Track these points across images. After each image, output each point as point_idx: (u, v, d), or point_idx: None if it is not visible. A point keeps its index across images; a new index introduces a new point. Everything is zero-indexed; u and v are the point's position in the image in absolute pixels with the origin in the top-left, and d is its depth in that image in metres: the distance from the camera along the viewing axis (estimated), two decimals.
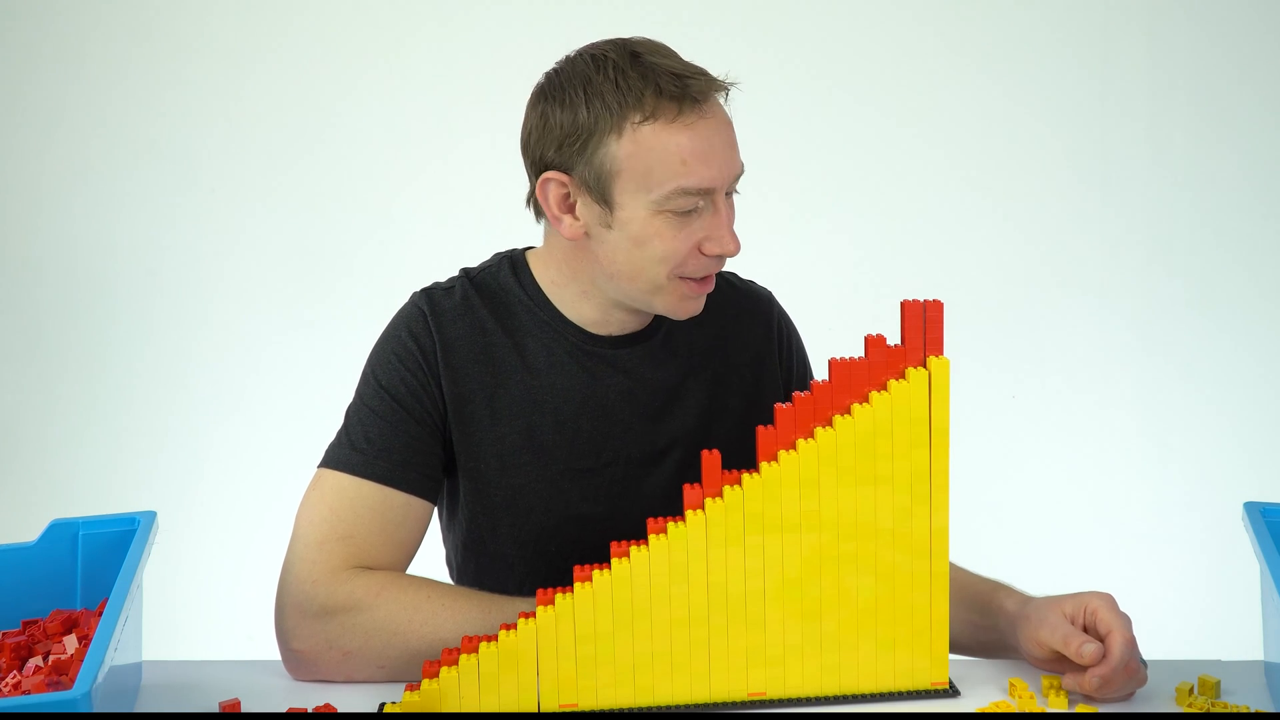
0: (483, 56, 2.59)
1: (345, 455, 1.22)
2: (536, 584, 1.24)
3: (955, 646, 1.21)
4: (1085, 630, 1.10)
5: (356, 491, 1.20)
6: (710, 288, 1.23)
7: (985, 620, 1.20)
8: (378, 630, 1.14)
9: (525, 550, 1.28)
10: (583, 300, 1.27)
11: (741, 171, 1.20)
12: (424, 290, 1.30)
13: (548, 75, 1.21)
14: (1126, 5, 2.59)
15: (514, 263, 1.31)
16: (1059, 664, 1.11)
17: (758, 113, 1.29)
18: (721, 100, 1.19)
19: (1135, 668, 1.08)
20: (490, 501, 1.27)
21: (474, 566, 1.33)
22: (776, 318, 1.40)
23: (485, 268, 1.32)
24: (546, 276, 1.28)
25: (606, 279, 1.22)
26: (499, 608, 1.16)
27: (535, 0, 2.59)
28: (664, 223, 1.16)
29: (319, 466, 1.23)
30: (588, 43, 1.21)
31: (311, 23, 2.62)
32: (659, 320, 1.31)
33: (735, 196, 1.24)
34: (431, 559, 1.63)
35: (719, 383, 1.33)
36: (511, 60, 2.46)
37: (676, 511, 1.08)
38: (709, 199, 1.17)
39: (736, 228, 1.20)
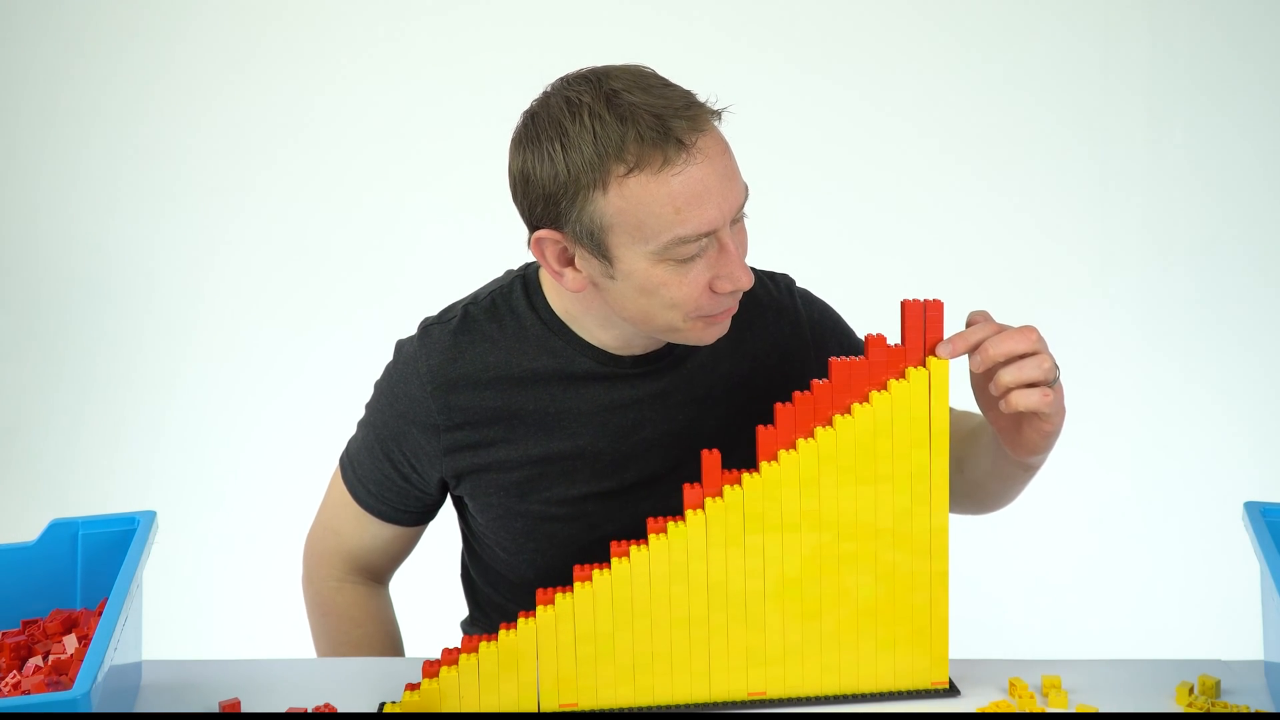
0: (485, 56, 2.58)
1: (344, 460, 1.32)
2: None
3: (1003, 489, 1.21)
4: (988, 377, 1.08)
5: (344, 497, 1.31)
6: (734, 312, 1.15)
7: (991, 442, 1.17)
8: (313, 625, 1.37)
9: (549, 576, 1.22)
10: (602, 329, 1.20)
11: (745, 198, 1.11)
12: (423, 329, 1.24)
13: (524, 119, 1.11)
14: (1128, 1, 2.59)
15: (527, 283, 1.24)
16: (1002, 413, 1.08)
17: (756, 114, 1.27)
18: (716, 123, 1.09)
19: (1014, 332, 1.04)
20: (512, 529, 1.25)
21: (501, 595, 1.32)
22: (800, 303, 1.31)
23: (497, 287, 1.25)
24: (561, 304, 1.21)
25: (621, 321, 1.17)
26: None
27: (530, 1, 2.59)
28: (667, 270, 1.08)
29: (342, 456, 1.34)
30: (562, 75, 1.12)
31: (310, 23, 2.62)
32: None
33: (746, 217, 1.15)
34: (433, 568, 1.62)
35: (745, 388, 1.25)
36: (515, 60, 2.46)
37: None
38: (712, 238, 1.09)
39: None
